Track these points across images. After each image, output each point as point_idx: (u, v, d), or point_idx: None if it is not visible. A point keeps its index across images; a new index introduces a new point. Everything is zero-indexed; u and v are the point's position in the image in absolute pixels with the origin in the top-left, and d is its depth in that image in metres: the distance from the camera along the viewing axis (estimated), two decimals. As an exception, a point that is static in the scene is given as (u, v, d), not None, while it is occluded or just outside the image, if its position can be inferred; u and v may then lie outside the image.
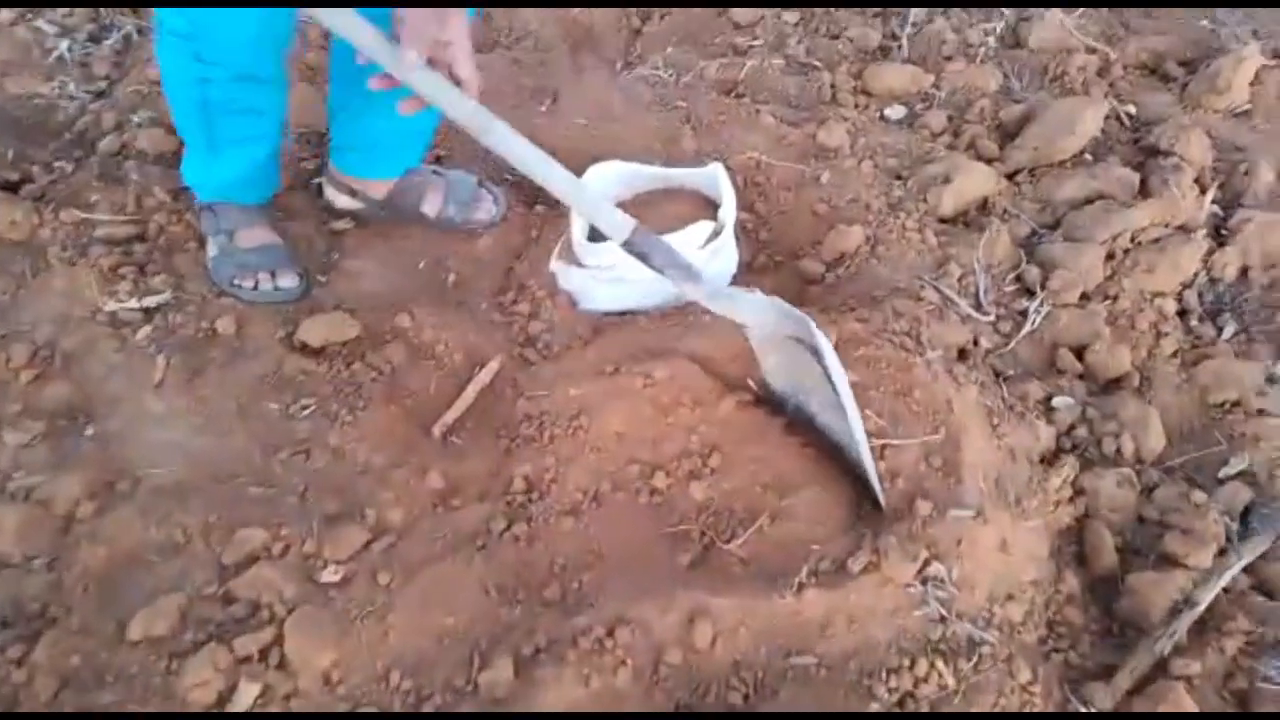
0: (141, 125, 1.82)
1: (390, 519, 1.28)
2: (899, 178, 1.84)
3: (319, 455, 1.36)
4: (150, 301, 1.51)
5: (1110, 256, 1.67)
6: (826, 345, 1.24)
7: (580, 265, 1.59)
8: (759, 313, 1.32)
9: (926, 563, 1.19)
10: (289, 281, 1.57)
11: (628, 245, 1.27)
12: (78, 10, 2.09)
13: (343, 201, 1.74)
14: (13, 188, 1.68)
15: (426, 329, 1.55)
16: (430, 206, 1.73)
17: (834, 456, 1.31)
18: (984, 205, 1.80)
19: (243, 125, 1.47)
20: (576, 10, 2.24)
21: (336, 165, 1.71)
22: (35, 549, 1.20)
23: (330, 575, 1.20)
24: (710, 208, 1.65)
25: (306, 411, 1.42)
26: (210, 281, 1.57)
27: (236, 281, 1.55)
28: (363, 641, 1.13)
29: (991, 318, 1.60)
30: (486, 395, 1.48)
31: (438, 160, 1.86)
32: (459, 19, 1.18)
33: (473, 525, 1.28)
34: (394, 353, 1.51)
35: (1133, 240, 1.69)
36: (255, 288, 1.55)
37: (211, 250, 1.59)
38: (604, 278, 1.58)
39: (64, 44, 1.99)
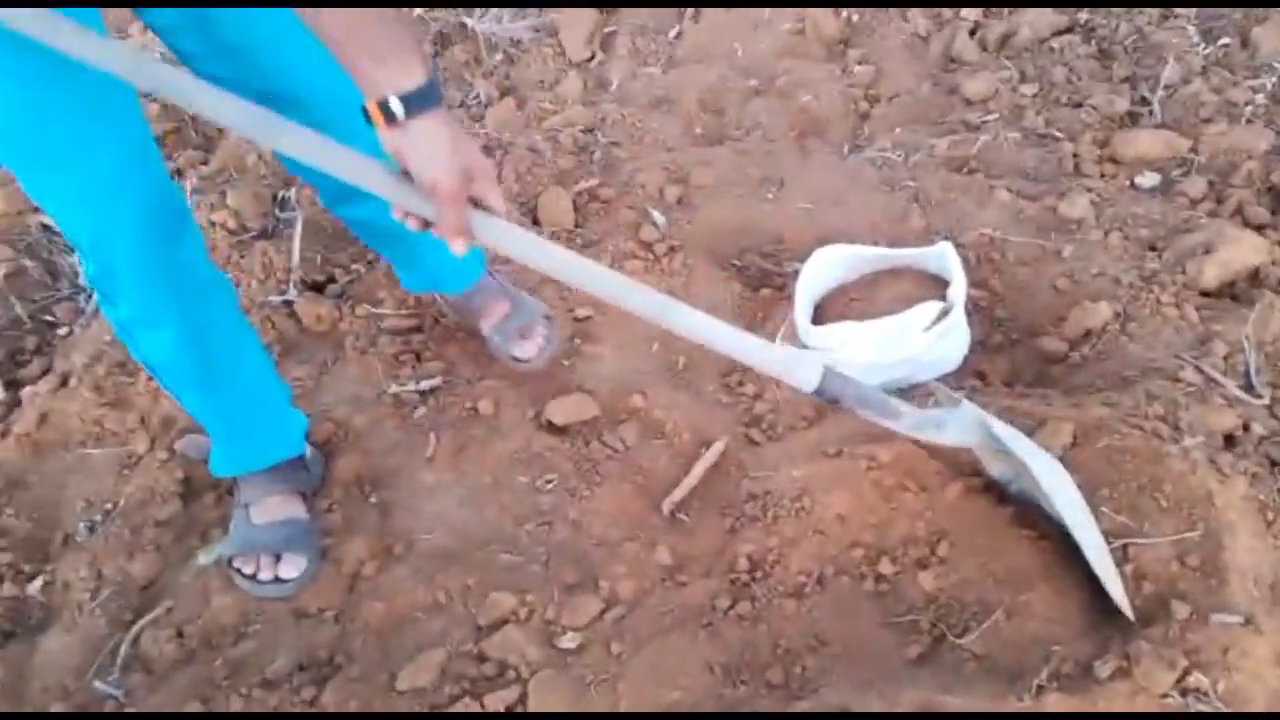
0: (420, 229, 2.09)
1: (622, 591, 1.37)
2: (1153, 249, 1.73)
3: (560, 527, 1.48)
4: (425, 385, 1.72)
5: None
6: (1050, 479, 1.19)
7: (805, 348, 1.63)
8: (967, 437, 1.28)
9: (1186, 672, 1.09)
10: (292, 570, 1.40)
11: (819, 393, 1.22)
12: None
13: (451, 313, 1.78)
14: (320, 287, 1.98)
15: (657, 409, 1.64)
16: (486, 325, 1.69)
17: (1068, 551, 1.24)
18: (1254, 276, 1.64)
19: (188, 361, 1.32)
20: (804, 99, 2.31)
21: (403, 284, 1.76)
22: (327, 603, 1.39)
23: (568, 642, 1.29)
24: (939, 287, 1.64)
25: (550, 485, 1.55)
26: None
27: (235, 563, 1.41)
28: (597, 707, 1.21)
29: (1265, 400, 1.44)
30: (713, 474, 1.54)
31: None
32: (475, 153, 1.05)
33: (699, 602, 1.33)
34: (627, 431, 1.61)
35: None
36: (253, 577, 1.40)
37: (231, 526, 1.46)
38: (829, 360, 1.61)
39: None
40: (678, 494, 1.50)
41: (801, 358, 1.23)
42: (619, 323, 1.86)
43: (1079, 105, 2.08)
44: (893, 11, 2.53)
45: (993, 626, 1.21)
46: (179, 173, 2.48)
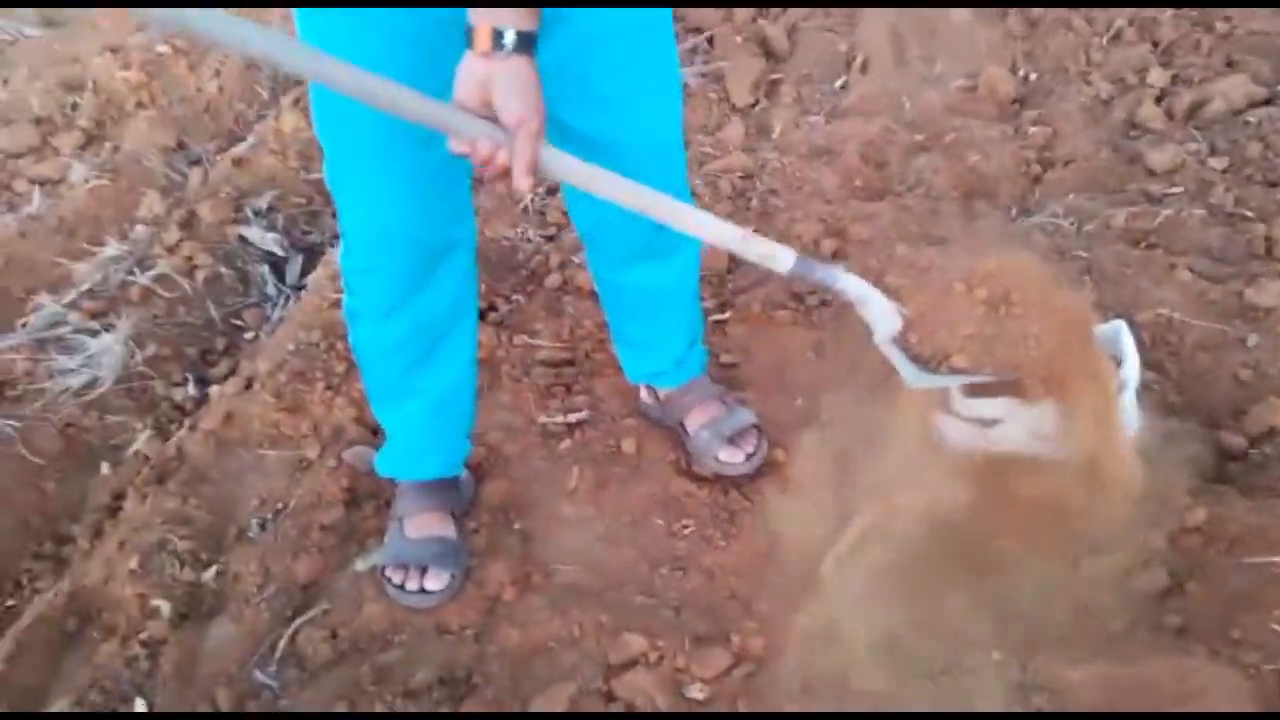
0: (580, 265, 2.16)
1: (752, 648, 1.37)
2: (1351, 345, 1.60)
3: (694, 574, 1.49)
4: (573, 418, 1.78)
5: None
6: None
7: (954, 414, 1.59)
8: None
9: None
10: (436, 584, 1.47)
11: (793, 272, 1.16)
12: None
13: (644, 398, 1.78)
14: (481, 315, 2.08)
15: (796, 465, 1.64)
16: (693, 423, 1.66)
17: None
18: None
19: (385, 385, 1.50)
20: (972, 158, 2.27)
21: (626, 372, 1.76)
22: (468, 621, 1.45)
23: (696, 692, 1.31)
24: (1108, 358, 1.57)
25: (687, 531, 1.57)
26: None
27: (387, 573, 1.50)
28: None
29: None
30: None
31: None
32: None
33: (829, 672, 1.31)
34: (767, 486, 1.62)
35: None
36: (401, 586, 1.48)
37: (385, 537, 1.55)
38: (988, 431, 1.56)
39: (529, 196, 2.44)
40: (829, 562, 1.47)
41: (776, 247, 1.17)
42: (764, 370, 1.87)
43: (1274, 185, 1.96)
44: (1072, 73, 2.46)
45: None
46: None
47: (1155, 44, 2.48)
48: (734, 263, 2.13)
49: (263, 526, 1.63)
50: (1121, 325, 1.57)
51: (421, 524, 1.53)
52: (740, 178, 2.42)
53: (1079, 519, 1.37)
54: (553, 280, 2.15)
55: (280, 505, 1.66)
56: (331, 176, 1.30)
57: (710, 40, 2.87)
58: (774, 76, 2.76)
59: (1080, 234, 1.96)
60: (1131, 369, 1.50)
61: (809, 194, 2.28)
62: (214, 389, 1.95)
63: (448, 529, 1.54)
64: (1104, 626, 1.31)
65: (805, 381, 1.84)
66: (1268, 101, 2.20)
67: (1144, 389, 1.61)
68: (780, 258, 1.15)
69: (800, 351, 1.89)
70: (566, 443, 1.73)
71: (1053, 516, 1.42)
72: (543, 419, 1.77)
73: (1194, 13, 2.57)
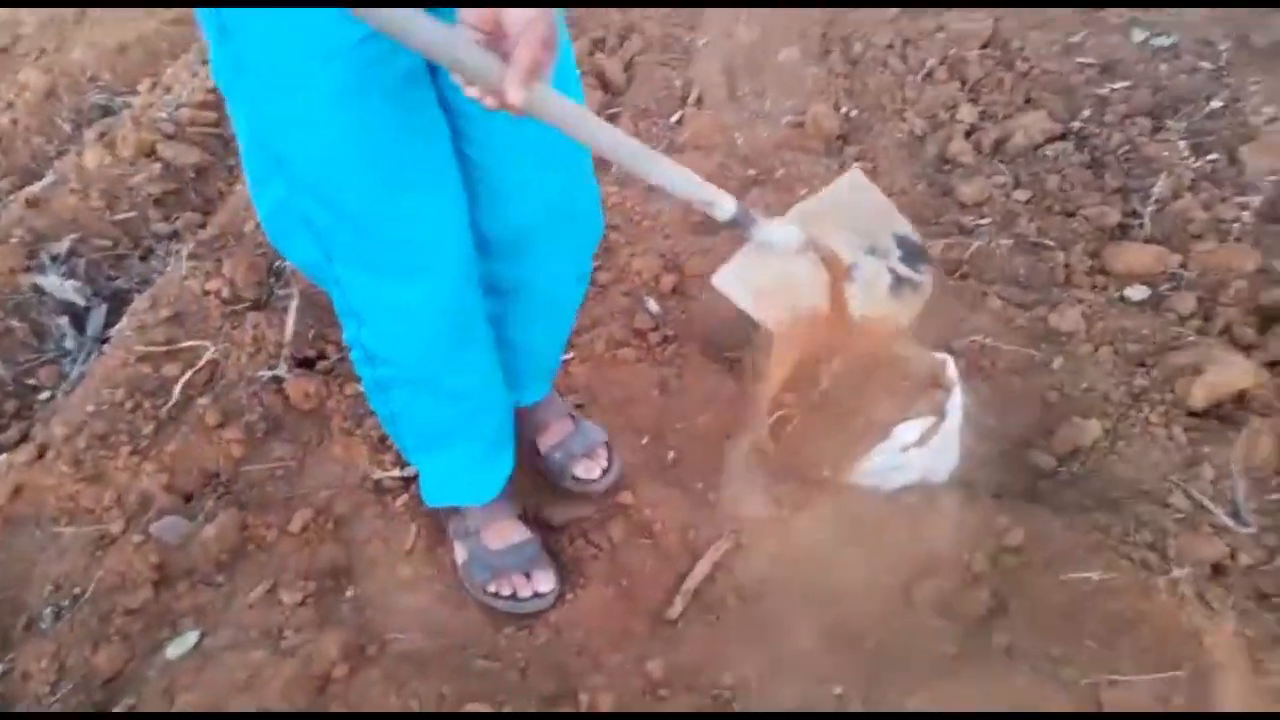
0: (413, 307, 2.09)
1: (602, 704, 1.33)
2: (1141, 364, 1.74)
3: (541, 630, 1.45)
4: (410, 471, 1.70)
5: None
6: None
7: None
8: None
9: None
10: (546, 584, 1.47)
11: (732, 221, 1.21)
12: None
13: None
14: (310, 364, 1.96)
15: (646, 507, 1.62)
16: (544, 443, 1.67)
17: None
18: (1241, 399, 1.65)
19: (434, 433, 1.43)
20: (801, 191, 2.33)
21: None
22: (296, 706, 1.35)
23: (543, 759, 1.26)
24: (929, 387, 1.63)
25: (533, 584, 1.52)
26: (462, 588, 1.51)
27: (491, 589, 1.47)
28: (569, 833, 1.17)
29: (1253, 530, 1.44)
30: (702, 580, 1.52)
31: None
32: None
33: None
34: (615, 530, 1.59)
35: None
36: (513, 596, 1.46)
37: (460, 555, 1.52)
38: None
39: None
40: (678, 605, 1.47)
41: (720, 193, 1.21)
42: (609, 410, 1.85)
43: (1071, 214, 2.11)
44: (889, 109, 2.58)
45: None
46: (176, 235, 2.48)
47: (963, 82, 2.64)
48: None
49: (57, 615, 1.47)
50: (948, 359, 1.65)
51: (501, 532, 1.51)
52: (579, 213, 2.41)
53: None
54: (387, 324, 2.06)
55: (78, 590, 1.50)
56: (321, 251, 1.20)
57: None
58: (612, 110, 2.77)
59: (902, 265, 2.05)
60: (956, 400, 1.58)
61: (647, 229, 2.29)
62: (1, 459, 1.75)
63: (525, 532, 1.53)
64: (937, 650, 1.35)
65: (651, 420, 1.83)
66: (1062, 136, 2.38)
67: (964, 415, 1.69)
68: (722, 205, 1.20)
69: (645, 390, 1.88)
70: (403, 498, 1.65)
71: (886, 539, 1.48)
72: (377, 474, 1.69)
73: (997, 52, 2.76)
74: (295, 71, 1.03)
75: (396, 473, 1.69)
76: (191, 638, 1.42)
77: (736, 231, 1.26)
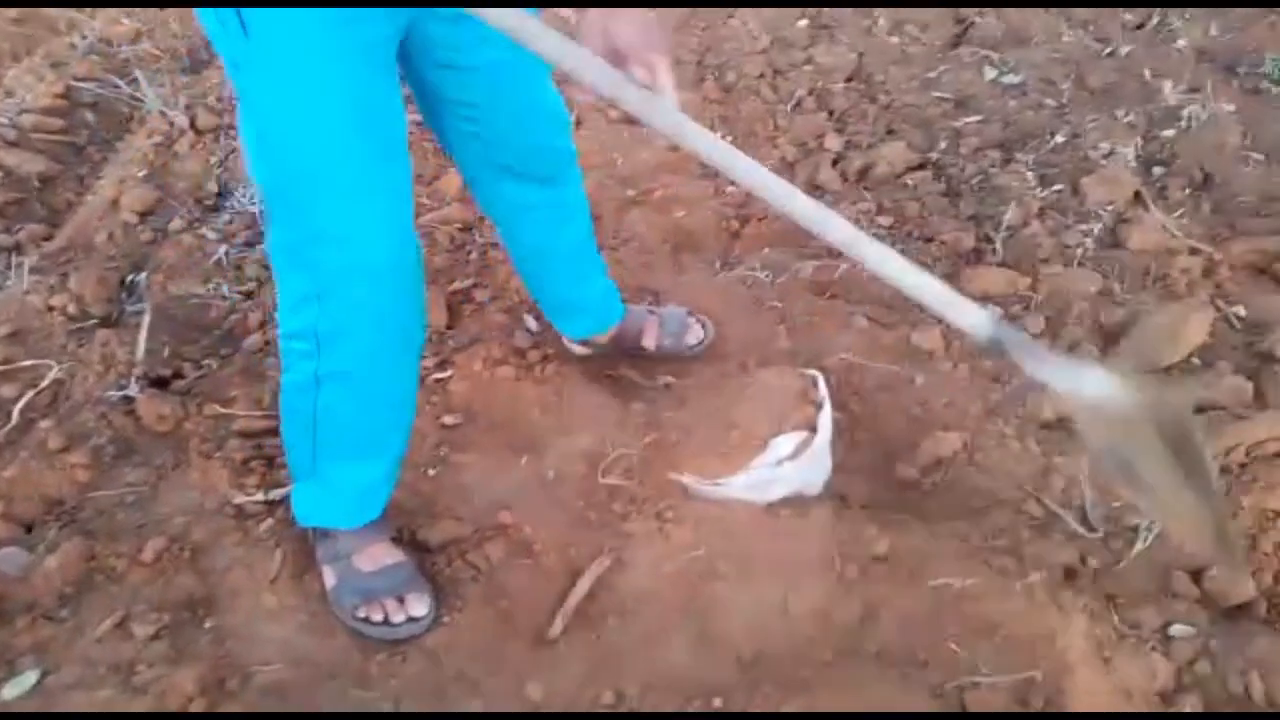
0: (281, 325, 2.00)
1: (479, 730, 1.30)
2: (997, 380, 1.84)
3: (415, 659, 1.40)
4: (275, 494, 1.62)
5: (1225, 471, 1.60)
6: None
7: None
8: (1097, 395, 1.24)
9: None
10: (419, 608, 1.42)
11: (991, 341, 1.20)
12: (237, 219, 2.35)
13: (578, 350, 1.95)
14: (164, 383, 1.85)
15: (526, 526, 1.60)
16: (649, 340, 1.91)
17: None
18: (1087, 412, 1.76)
19: (355, 441, 1.43)
20: (680, 213, 2.38)
21: (564, 333, 1.93)
22: (146, 747, 1.26)
23: (418, 790, 1.21)
24: (803, 403, 1.68)
25: (407, 610, 1.47)
26: (332, 614, 1.46)
27: (361, 614, 1.43)
28: None
29: (1100, 534, 1.54)
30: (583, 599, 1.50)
31: (655, 300, 2.08)
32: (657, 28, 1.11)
33: (560, 742, 1.28)
34: (493, 550, 1.56)
35: (1249, 454, 1.62)
36: (385, 622, 1.41)
37: (330, 580, 1.47)
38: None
39: (222, 249, 2.23)
40: (559, 624, 1.45)
41: (973, 306, 1.22)
42: (487, 429, 1.82)
43: (930, 240, 2.23)
44: (761, 136, 2.67)
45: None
46: (18, 247, 2.31)
47: (830, 112, 2.76)
48: (452, 318, 2.08)
49: (-128, 661, 1.33)
50: (819, 376, 1.70)
51: (374, 555, 1.47)
52: (459, 229, 2.38)
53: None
54: (253, 341, 1.97)
55: (-104, 632, 1.36)
56: (300, 230, 1.25)
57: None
58: (489, 129, 2.75)
59: (774, 285, 2.11)
60: (827, 416, 1.63)
61: (526, 246, 2.28)
62: None
63: (399, 554, 1.50)
64: (812, 657, 1.38)
65: (531, 438, 1.81)
66: (921, 166, 2.51)
67: (836, 430, 1.75)
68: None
69: (525, 409, 1.86)
70: (267, 523, 1.57)
71: (762, 551, 1.50)
72: (239, 498, 1.60)
73: (861, 85, 2.90)
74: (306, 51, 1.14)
75: (260, 496, 1.61)
76: (31, 677, 1.31)
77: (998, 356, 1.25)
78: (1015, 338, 1.24)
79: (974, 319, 1.21)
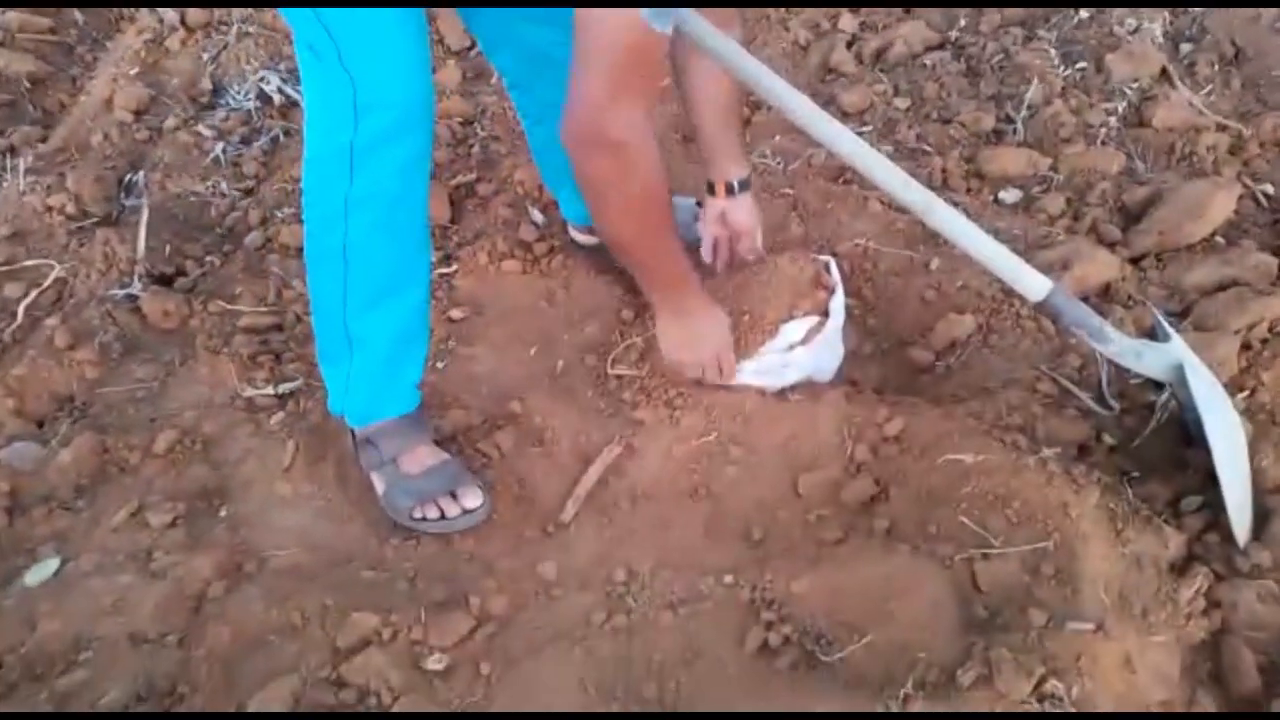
0: (285, 221, 1.97)
1: (494, 607, 1.32)
2: (1014, 263, 1.79)
3: (429, 542, 1.41)
4: (285, 388, 1.62)
5: (1246, 347, 1.57)
6: (1218, 439, 1.30)
7: None
8: (1162, 373, 1.39)
9: (1043, 679, 1.13)
10: (473, 500, 1.45)
11: (1041, 306, 1.35)
12: (233, 115, 2.29)
13: (584, 239, 1.88)
14: (168, 280, 1.84)
15: (536, 415, 1.59)
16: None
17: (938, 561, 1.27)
18: (1106, 291, 1.73)
19: (385, 276, 1.42)
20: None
21: (571, 219, 1.87)
22: (169, 627, 1.28)
23: (435, 663, 1.23)
24: (814, 288, 1.64)
25: (419, 496, 1.48)
26: (389, 520, 1.47)
27: (417, 514, 1.44)
28: (463, 732, 1.16)
29: (1115, 411, 1.52)
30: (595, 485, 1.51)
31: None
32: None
33: (574, 617, 1.29)
34: (504, 439, 1.56)
35: (1271, 330, 1.58)
36: (441, 517, 1.44)
37: (380, 485, 1.47)
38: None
39: (219, 146, 2.18)
40: (570, 509, 1.46)
41: (1031, 270, 1.36)
42: (495, 322, 1.81)
43: (948, 121, 2.15)
44: (774, 19, 2.56)
45: (861, 636, 1.23)
46: (12, 150, 2.27)
47: (844, -9, 2.64)
48: (456, 213, 2.04)
49: (-102, 548, 1.35)
50: (831, 261, 1.66)
51: (419, 458, 1.47)
52: (460, 123, 2.31)
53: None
54: (253, 239, 1.95)
55: (-82, 520, 1.38)
56: (333, 54, 1.26)
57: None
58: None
59: (786, 173, 2.05)
60: (839, 301, 1.60)
61: (530, 139, 2.22)
62: None
63: (443, 453, 1.50)
64: (822, 536, 1.38)
65: (539, 330, 1.79)
66: (940, 46, 2.41)
67: (848, 315, 1.73)
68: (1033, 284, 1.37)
69: (532, 301, 1.84)
70: (278, 416, 1.57)
71: (772, 436, 1.49)
72: (249, 392, 1.60)
73: (876, -35, 2.76)
74: None
75: (270, 390, 1.61)
76: (52, 564, 1.33)
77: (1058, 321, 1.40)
78: (1074, 309, 1.35)
79: (1030, 284, 1.33)
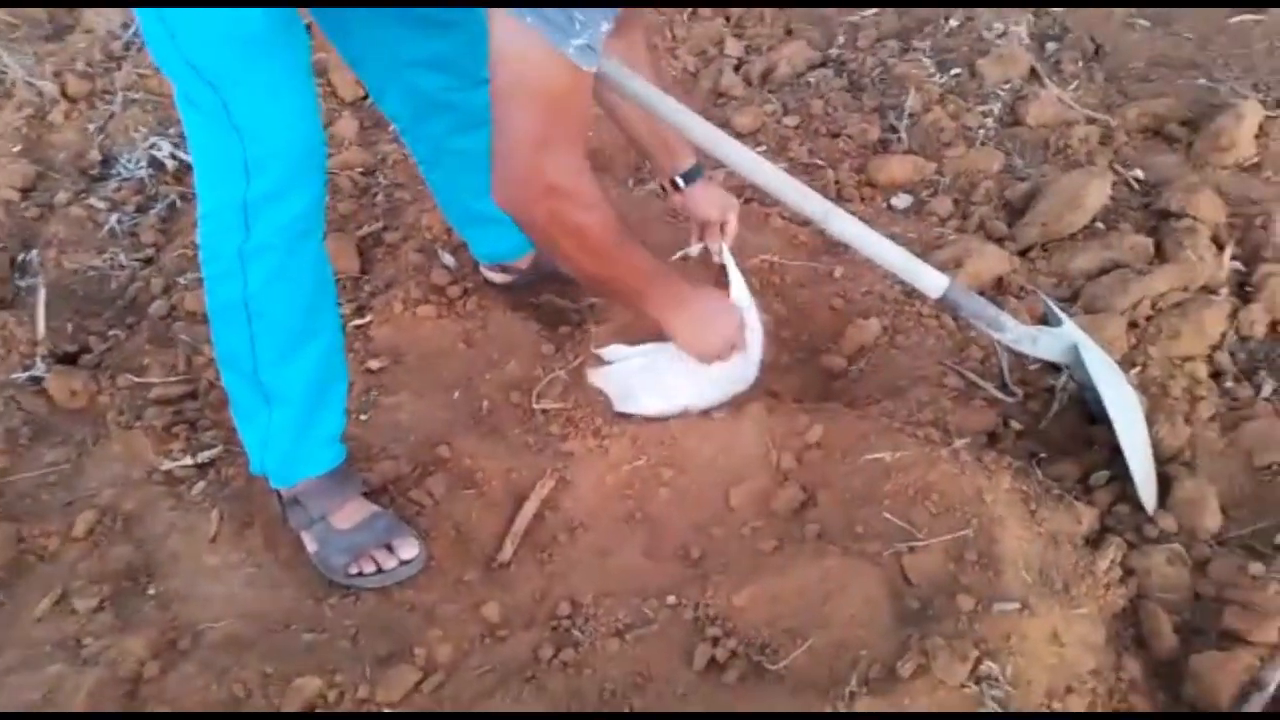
0: (188, 287, 1.93)
1: (439, 656, 1.31)
2: (912, 264, 1.87)
3: (367, 597, 1.40)
4: (204, 456, 1.59)
5: (1133, 325, 1.67)
6: (1117, 410, 1.39)
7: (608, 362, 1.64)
8: (1058, 355, 1.48)
9: (978, 661, 1.18)
10: (409, 550, 1.43)
11: (941, 301, 1.44)
12: (125, 185, 2.24)
13: (497, 277, 1.90)
14: (72, 359, 1.79)
15: (465, 458, 1.59)
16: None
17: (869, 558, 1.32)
18: (999, 284, 1.82)
19: (292, 324, 1.39)
20: (588, 134, 2.34)
21: (482, 258, 1.88)
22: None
23: (384, 720, 1.22)
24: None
25: (355, 553, 1.46)
26: (324, 579, 1.45)
27: (353, 570, 1.42)
28: (420, 785, 1.15)
29: (1019, 398, 1.60)
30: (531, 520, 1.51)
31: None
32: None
33: (521, 656, 1.30)
34: (435, 485, 1.56)
35: (1154, 306, 1.69)
36: (379, 570, 1.42)
37: (311, 545, 1.45)
38: (637, 371, 1.62)
39: (114, 217, 2.14)
40: (509, 547, 1.46)
41: (928, 269, 1.43)
42: (415, 369, 1.80)
43: (836, 135, 2.24)
44: (661, 48, 2.63)
45: (803, 640, 1.26)
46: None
47: (728, 18, 2.73)
48: (365, 263, 2.03)
49: None
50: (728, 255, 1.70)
51: (349, 513, 1.45)
52: (361, 173, 2.31)
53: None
54: (158, 308, 1.91)
55: None
56: (219, 109, 1.24)
57: (309, 28, 2.69)
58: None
59: (690, 195, 2.10)
60: (753, 317, 1.62)
61: (434, 184, 2.22)
62: None
63: (373, 506, 1.48)
64: (757, 548, 1.42)
65: (460, 373, 1.79)
66: (823, 64, 2.51)
67: (761, 329, 1.77)
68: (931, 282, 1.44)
69: (450, 344, 1.84)
70: (199, 485, 1.54)
71: (701, 454, 1.53)
72: (166, 464, 1.56)
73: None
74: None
75: (188, 460, 1.58)
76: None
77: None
78: (972, 302, 1.43)
79: (929, 282, 1.42)
